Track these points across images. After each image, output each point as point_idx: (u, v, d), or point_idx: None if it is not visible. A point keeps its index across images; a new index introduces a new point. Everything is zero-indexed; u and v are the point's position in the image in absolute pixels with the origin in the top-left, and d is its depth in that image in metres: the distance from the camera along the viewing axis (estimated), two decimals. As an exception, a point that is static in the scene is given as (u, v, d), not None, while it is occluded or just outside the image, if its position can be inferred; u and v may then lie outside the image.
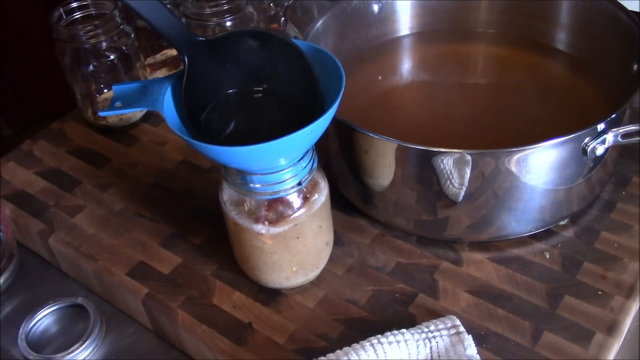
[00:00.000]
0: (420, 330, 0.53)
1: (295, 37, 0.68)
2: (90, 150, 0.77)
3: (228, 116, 0.54)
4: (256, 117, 0.55)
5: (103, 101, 0.79)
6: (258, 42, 0.52)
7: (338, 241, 0.63)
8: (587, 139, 0.55)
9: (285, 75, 0.53)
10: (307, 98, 0.51)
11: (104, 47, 0.75)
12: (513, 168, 0.55)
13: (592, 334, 0.54)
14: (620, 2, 0.67)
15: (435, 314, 0.56)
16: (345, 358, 0.51)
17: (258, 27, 0.52)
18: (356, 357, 0.51)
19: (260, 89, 0.54)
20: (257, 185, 0.52)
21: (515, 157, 0.54)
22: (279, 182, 0.52)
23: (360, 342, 0.52)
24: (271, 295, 0.59)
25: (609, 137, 0.55)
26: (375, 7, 0.75)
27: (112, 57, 0.76)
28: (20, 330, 0.60)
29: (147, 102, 0.51)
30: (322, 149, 0.59)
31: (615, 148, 0.60)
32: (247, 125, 0.54)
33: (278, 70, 0.53)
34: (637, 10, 0.71)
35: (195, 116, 0.53)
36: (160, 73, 0.84)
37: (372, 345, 0.52)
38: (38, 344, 0.61)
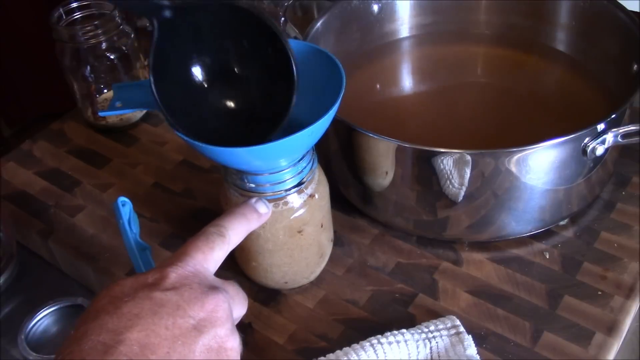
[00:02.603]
0: (420, 331, 0.53)
1: (295, 37, 0.68)
2: (90, 150, 0.77)
3: (197, 95, 0.51)
4: (227, 95, 0.52)
5: (103, 101, 0.79)
6: (232, 18, 0.49)
7: (338, 241, 0.63)
8: (587, 139, 0.55)
9: (258, 55, 0.50)
10: (281, 79, 0.48)
11: (104, 47, 0.75)
12: (513, 168, 0.55)
13: (592, 334, 0.54)
14: (620, 2, 0.67)
15: (435, 314, 0.56)
16: (345, 358, 0.51)
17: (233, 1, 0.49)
18: (356, 357, 0.51)
19: (233, 66, 0.51)
20: (257, 186, 0.52)
21: (515, 157, 0.54)
22: (279, 183, 0.52)
23: (360, 342, 0.52)
24: (271, 295, 0.59)
25: (609, 137, 0.55)
26: (375, 7, 0.75)
27: (112, 57, 0.76)
28: (20, 330, 0.60)
29: (147, 102, 0.51)
30: (322, 149, 0.59)
31: (615, 148, 0.60)
32: (218, 104, 0.52)
33: (251, 49, 0.50)
34: (637, 10, 0.71)
35: (165, 93, 0.49)
36: (160, 73, 0.84)
37: (372, 345, 0.52)
38: (38, 344, 0.61)
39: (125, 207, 0.50)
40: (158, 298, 0.38)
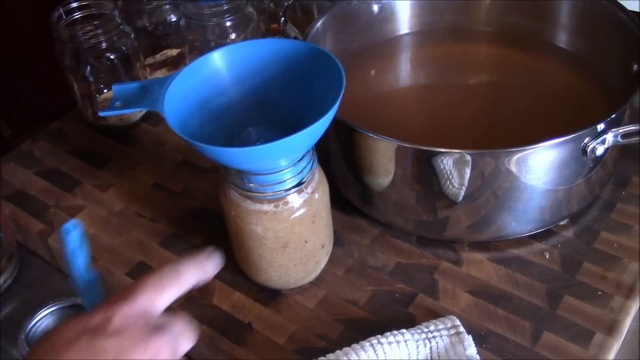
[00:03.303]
0: (420, 331, 0.53)
1: (295, 37, 0.68)
2: (90, 150, 0.77)
3: None
4: None
5: (103, 101, 0.79)
6: None
7: (338, 241, 0.63)
8: (587, 139, 0.55)
9: None
10: None
11: (104, 47, 0.75)
12: (513, 168, 0.55)
13: (592, 334, 0.54)
14: (620, 2, 0.67)
15: (435, 314, 0.56)
16: (345, 358, 0.51)
17: None
18: (356, 357, 0.51)
19: None
20: (257, 186, 0.52)
21: (515, 157, 0.54)
22: (279, 183, 0.52)
23: (360, 342, 0.52)
24: (271, 296, 0.59)
25: (609, 137, 0.55)
26: (375, 7, 0.75)
27: (112, 57, 0.76)
28: (20, 330, 0.60)
29: (147, 102, 0.51)
30: (322, 149, 0.59)
31: (615, 148, 0.60)
32: None
33: None
34: (637, 10, 0.71)
35: None
36: (160, 73, 0.84)
37: (372, 345, 0.52)
38: (38, 344, 0.61)
39: (73, 234, 0.45)
40: (100, 347, 0.38)
